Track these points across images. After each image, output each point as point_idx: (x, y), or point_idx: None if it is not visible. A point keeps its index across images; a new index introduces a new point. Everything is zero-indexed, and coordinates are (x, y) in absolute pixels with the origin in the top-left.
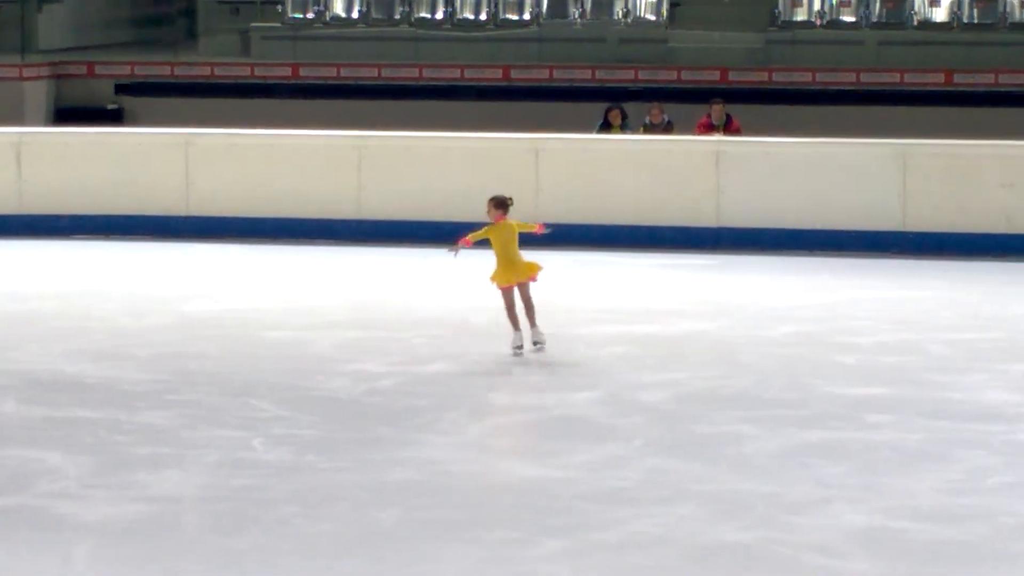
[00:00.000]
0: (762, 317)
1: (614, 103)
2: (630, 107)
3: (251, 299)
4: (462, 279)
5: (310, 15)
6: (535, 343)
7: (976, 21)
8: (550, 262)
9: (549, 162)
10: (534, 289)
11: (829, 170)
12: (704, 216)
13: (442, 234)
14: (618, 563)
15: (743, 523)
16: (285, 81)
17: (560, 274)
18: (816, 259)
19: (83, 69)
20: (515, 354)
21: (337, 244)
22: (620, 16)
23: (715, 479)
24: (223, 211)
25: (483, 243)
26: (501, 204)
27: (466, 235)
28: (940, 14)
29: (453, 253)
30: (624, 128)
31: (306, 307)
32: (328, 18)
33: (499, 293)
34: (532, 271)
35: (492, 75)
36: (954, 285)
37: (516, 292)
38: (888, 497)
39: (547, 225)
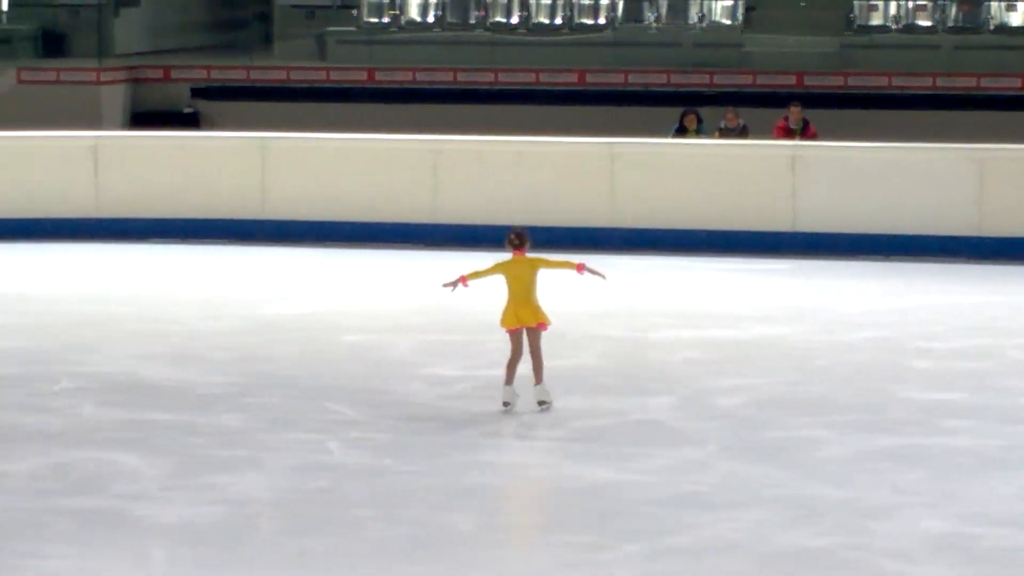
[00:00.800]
0: (837, 322)
1: (689, 107)
2: (705, 111)
3: (327, 303)
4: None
5: (386, 19)
6: (540, 403)
7: None
8: (625, 266)
9: (624, 166)
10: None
11: (905, 175)
12: (780, 221)
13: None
14: (693, 568)
15: (818, 529)
16: (361, 85)
17: (635, 278)
18: (892, 264)
19: (159, 73)
20: (505, 410)
21: (412, 248)
22: (695, 20)
23: (790, 484)
24: (299, 215)
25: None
26: (509, 242)
27: (466, 274)
28: (1016, 18)
29: (450, 289)
30: (699, 132)
31: (382, 311)
32: (403, 22)
33: (507, 337)
34: (541, 318)
35: (567, 79)
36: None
37: (525, 340)
38: (964, 503)
39: (588, 269)
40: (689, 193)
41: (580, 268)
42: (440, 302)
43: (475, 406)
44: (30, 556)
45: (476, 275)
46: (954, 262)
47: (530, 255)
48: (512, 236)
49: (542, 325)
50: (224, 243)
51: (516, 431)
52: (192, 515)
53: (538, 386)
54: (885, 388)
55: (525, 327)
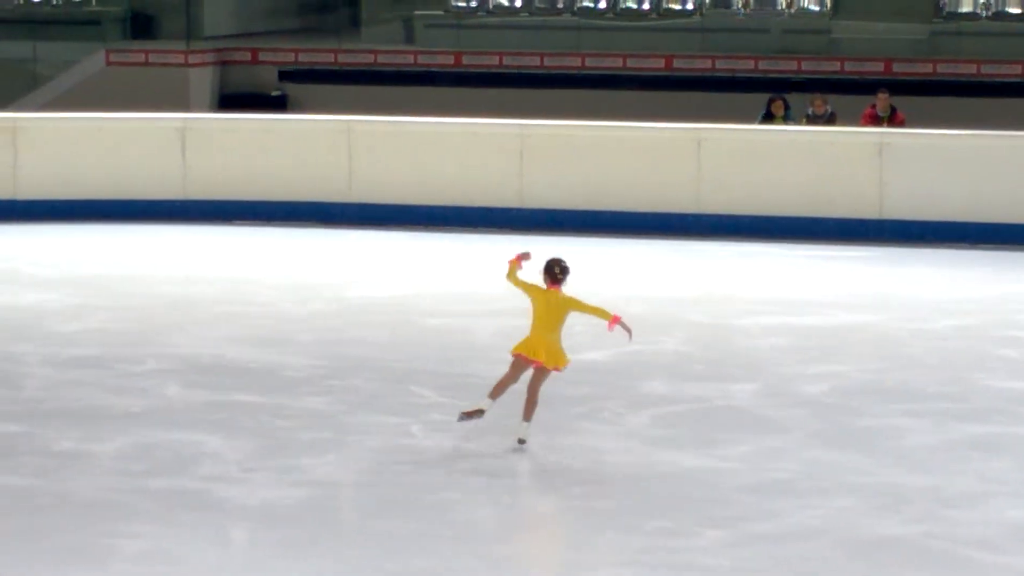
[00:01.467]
0: (924, 310)
1: (777, 93)
2: (793, 98)
3: (412, 286)
4: (622, 268)
5: (473, 3)
6: (519, 441)
7: None
8: (711, 253)
9: (711, 152)
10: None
11: (993, 162)
12: (867, 208)
13: (601, 223)
14: (777, 554)
15: (903, 517)
16: (448, 69)
17: (721, 265)
18: (979, 252)
19: (247, 56)
20: (460, 418)
21: (498, 232)
22: (784, 6)
23: (875, 472)
24: (385, 198)
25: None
26: (549, 271)
27: (517, 263)
28: None
29: (523, 261)
30: (787, 119)
31: (467, 294)
32: (491, 6)
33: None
34: (559, 361)
35: (654, 64)
36: None
37: (529, 374)
38: None
39: (621, 325)
40: (776, 180)
41: (614, 321)
42: None
43: (560, 390)
44: (115, 536)
45: (517, 281)
46: None
47: (566, 293)
48: (556, 269)
49: (557, 368)
50: (310, 226)
51: (600, 415)
52: (275, 497)
53: (525, 423)
54: (971, 376)
55: (535, 364)
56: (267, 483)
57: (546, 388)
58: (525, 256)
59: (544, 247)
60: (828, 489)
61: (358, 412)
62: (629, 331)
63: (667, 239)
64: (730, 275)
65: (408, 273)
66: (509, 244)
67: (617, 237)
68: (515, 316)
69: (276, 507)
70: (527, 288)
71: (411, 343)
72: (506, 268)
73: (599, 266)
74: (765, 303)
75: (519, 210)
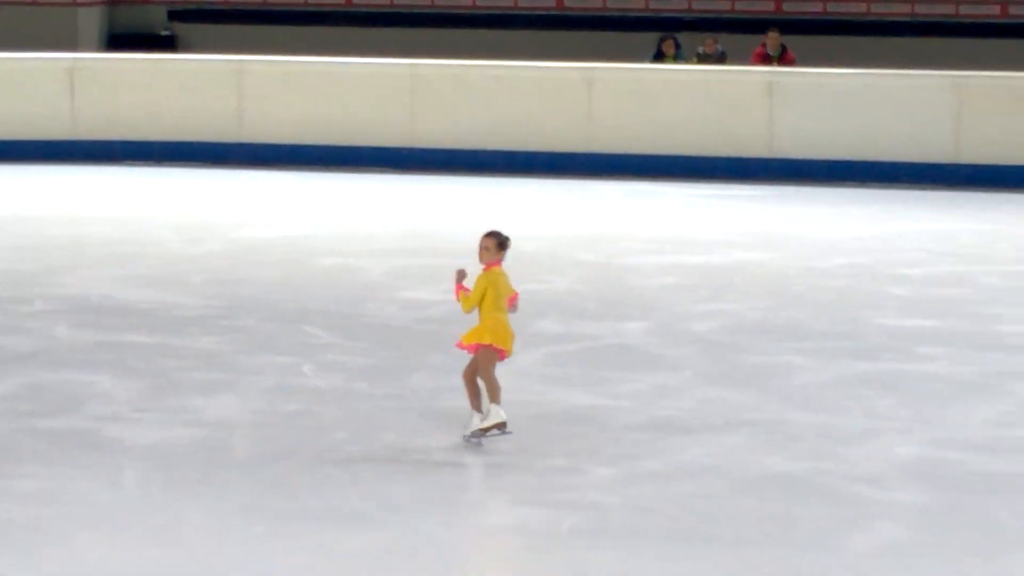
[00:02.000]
0: (814, 248)
1: (667, 33)
2: (684, 37)
3: (304, 226)
4: (513, 208)
5: None
6: (473, 434)
7: None
8: (602, 192)
9: (602, 92)
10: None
11: (883, 101)
12: (757, 147)
13: (493, 163)
14: (667, 492)
15: (793, 454)
16: (339, 8)
17: (612, 204)
18: (869, 191)
19: None
20: (476, 436)
21: (389, 172)
22: None
23: (765, 409)
24: (275, 138)
25: None
26: (504, 245)
27: (461, 288)
28: None
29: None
30: (677, 58)
31: (358, 234)
32: None
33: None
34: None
35: (546, 4)
36: (1008, 217)
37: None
38: (939, 429)
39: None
40: (666, 118)
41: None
42: (416, 227)
43: (450, 330)
44: (4, 477)
45: (476, 301)
46: (931, 189)
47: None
48: (495, 241)
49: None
50: (200, 166)
51: None
52: (167, 437)
53: (478, 414)
54: (861, 315)
55: (488, 349)
56: (159, 423)
57: (439, 327)
58: (462, 275)
59: (435, 186)
60: (718, 427)
61: (250, 352)
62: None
63: (558, 178)
64: (621, 214)
65: (299, 213)
66: (400, 183)
67: (508, 176)
68: (404, 256)
69: (168, 447)
70: (480, 293)
71: (302, 283)
72: (458, 302)
73: (490, 206)
74: (656, 242)
75: (410, 150)
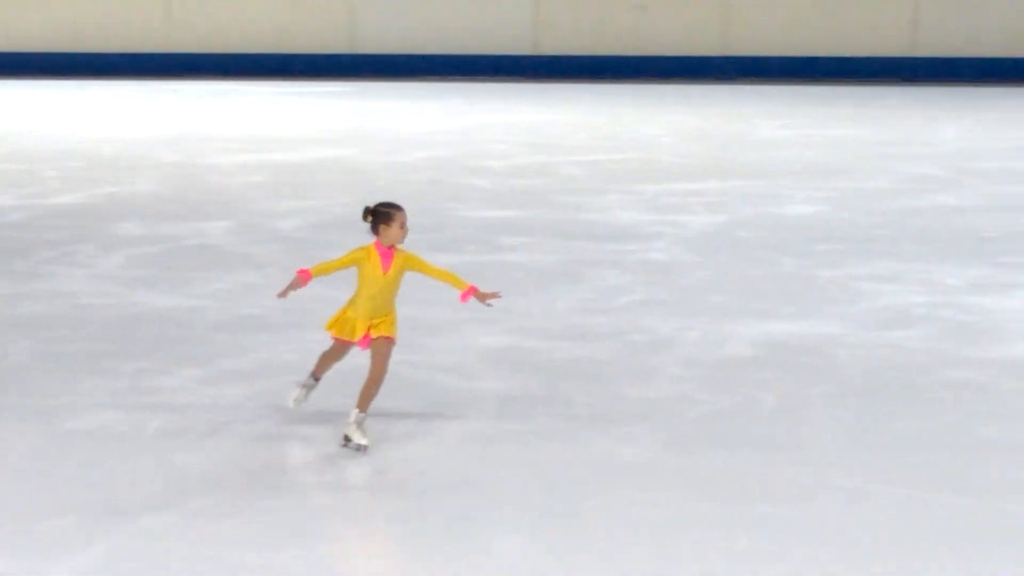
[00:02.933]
0: (397, 143)
1: None
2: None
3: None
4: (91, 110)
5: None
6: (357, 444)
7: None
8: (183, 92)
9: None
10: None
11: None
12: (338, 43)
13: (75, 65)
14: (250, 390)
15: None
16: None
17: (193, 104)
18: (450, 84)
19: None
20: (295, 400)
21: None
22: None
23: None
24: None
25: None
26: (387, 216)
27: (310, 268)
28: None
29: (289, 292)
30: None
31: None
32: None
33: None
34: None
35: None
36: (587, 108)
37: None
38: (522, 318)
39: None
40: (249, 15)
41: (468, 293)
42: None
43: (31, 235)
44: None
45: (324, 269)
46: (511, 81)
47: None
48: (380, 210)
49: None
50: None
51: (75, 259)
52: None
53: (363, 414)
54: (444, 207)
55: (374, 337)
56: None
57: (18, 233)
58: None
59: (14, 91)
60: (301, 323)
61: None
62: (495, 295)
63: (137, 80)
64: (202, 114)
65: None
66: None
67: (89, 79)
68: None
69: None
70: (345, 263)
71: None
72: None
73: (69, 108)
74: (238, 141)
75: None
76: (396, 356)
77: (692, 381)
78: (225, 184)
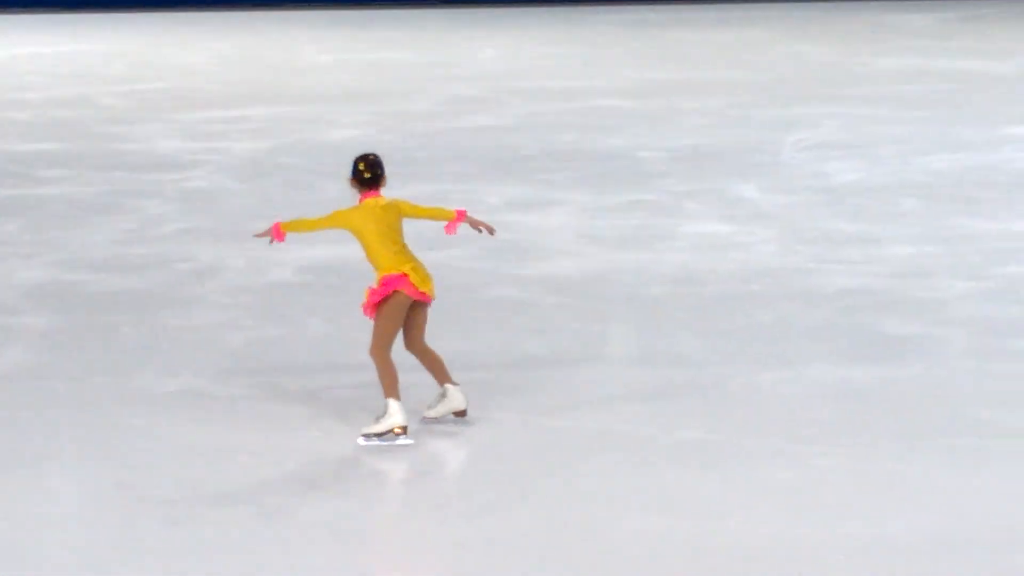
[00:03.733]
0: None
1: None
2: None
3: None
4: None
5: None
6: (452, 411)
7: None
8: None
9: None
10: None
11: None
12: None
13: None
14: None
15: None
16: None
17: None
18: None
19: None
20: (396, 435)
21: None
22: None
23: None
24: None
25: None
26: (366, 172)
27: (282, 223)
28: None
29: (268, 240)
30: None
31: None
32: None
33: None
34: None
35: None
36: (123, 36)
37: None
38: (63, 251)
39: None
40: None
41: (457, 220)
42: None
43: None
44: None
45: (300, 226)
46: (44, 13)
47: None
48: (362, 165)
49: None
50: None
51: None
52: None
53: (451, 385)
54: None
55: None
56: None
57: None
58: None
59: None
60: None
61: None
62: (489, 228)
63: None
64: None
65: None
66: None
67: None
68: None
69: None
70: (326, 224)
71: None
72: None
73: None
74: None
75: None
76: None
77: (238, 308)
78: None
